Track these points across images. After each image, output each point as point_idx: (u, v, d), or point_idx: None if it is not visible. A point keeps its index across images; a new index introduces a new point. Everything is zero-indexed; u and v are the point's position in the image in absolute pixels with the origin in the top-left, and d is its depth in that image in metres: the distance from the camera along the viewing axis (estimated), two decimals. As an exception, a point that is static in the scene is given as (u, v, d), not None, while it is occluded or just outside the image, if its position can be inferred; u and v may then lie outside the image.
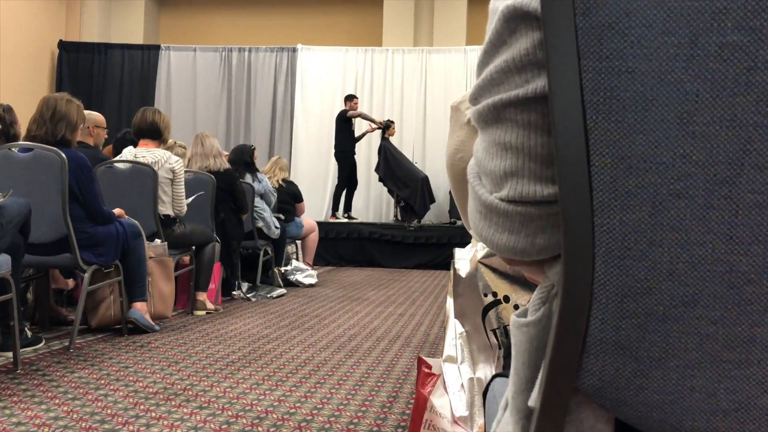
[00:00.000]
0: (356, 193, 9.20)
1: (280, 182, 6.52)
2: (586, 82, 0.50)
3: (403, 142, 9.81)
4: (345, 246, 8.35)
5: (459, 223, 8.46)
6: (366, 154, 9.85)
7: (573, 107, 0.50)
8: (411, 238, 8.26)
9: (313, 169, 10.07)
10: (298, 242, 6.95)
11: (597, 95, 0.50)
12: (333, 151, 8.97)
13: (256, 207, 5.73)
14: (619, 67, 0.49)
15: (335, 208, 8.96)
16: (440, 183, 9.28)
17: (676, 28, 0.48)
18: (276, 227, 5.91)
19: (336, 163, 9.03)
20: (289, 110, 10.41)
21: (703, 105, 0.48)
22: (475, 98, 0.58)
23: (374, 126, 8.88)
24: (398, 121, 9.76)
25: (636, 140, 0.49)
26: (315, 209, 9.46)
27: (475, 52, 9.79)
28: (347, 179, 8.85)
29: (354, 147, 8.91)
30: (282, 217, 6.28)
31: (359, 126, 9.19)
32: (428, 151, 9.92)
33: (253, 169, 5.80)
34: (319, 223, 7.41)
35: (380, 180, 8.99)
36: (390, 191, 9.08)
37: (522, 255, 0.56)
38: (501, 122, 0.55)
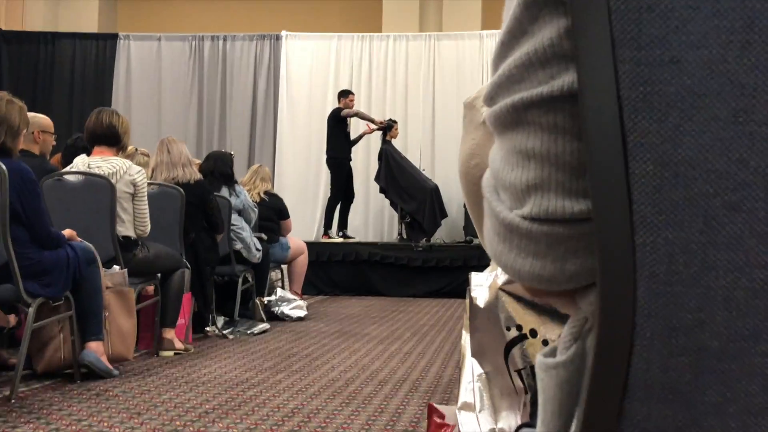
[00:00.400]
0: (353, 207, 9.26)
1: (262, 195, 6.58)
2: (623, 75, 0.50)
3: (408, 146, 9.92)
4: (340, 271, 8.43)
5: (476, 241, 8.47)
6: (364, 161, 9.91)
7: (607, 105, 0.50)
8: (419, 261, 8.33)
9: (301, 180, 10.16)
10: (284, 267, 7.02)
11: (636, 90, 0.50)
12: (325, 157, 9.09)
13: (234, 225, 5.78)
14: (661, 56, 0.49)
15: (328, 225, 8.99)
16: (453, 194, 9.34)
17: (728, 9, 0.48)
18: (257, 249, 5.96)
19: (328, 171, 9.14)
20: (272, 109, 10.55)
21: (762, 100, 0.48)
22: (490, 98, 0.59)
23: (373, 127, 8.98)
24: (402, 120, 9.83)
25: (683, 143, 0.49)
26: (304, 227, 9.52)
27: (493, 38, 9.91)
28: (342, 191, 8.93)
29: (349, 152, 9.00)
30: (264, 237, 6.33)
31: (356, 127, 9.27)
32: (438, 156, 10.01)
33: (230, 181, 5.89)
34: (309, 244, 7.45)
35: (381, 191, 9.10)
36: (393, 204, 9.19)
37: (550, 284, 0.56)
38: (522, 126, 0.56)
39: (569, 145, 0.55)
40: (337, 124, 8.77)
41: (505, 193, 0.58)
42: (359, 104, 9.56)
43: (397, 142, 9.33)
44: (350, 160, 9.05)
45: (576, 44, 0.52)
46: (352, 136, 9.10)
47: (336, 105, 9.15)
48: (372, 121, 8.94)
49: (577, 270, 0.55)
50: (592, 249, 0.54)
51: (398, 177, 8.77)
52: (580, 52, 0.51)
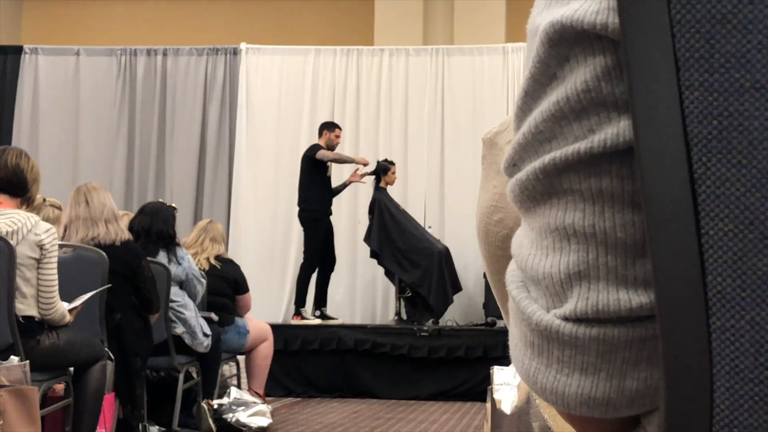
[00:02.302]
0: (334, 277, 9.25)
1: (213, 261, 6.65)
2: (690, 106, 0.51)
3: (409, 195, 9.94)
4: (317, 364, 8.44)
5: (500, 323, 8.41)
6: (350, 214, 9.93)
7: (671, 148, 0.51)
8: (423, 351, 8.32)
9: (264, 240, 10.12)
10: (241, 358, 7.04)
11: (707, 125, 0.50)
12: (297, 210, 9.15)
13: (174, 302, 5.80)
14: (740, 80, 0.50)
15: (300, 302, 8.99)
16: (469, 260, 9.36)
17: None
18: (205, 335, 5.97)
19: (301, 229, 9.19)
20: (227, 145, 10.57)
21: None
22: (513, 163, 0.61)
23: (363, 171, 9.06)
24: (400, 161, 9.81)
25: (773, 194, 0.50)
26: (268, 305, 9.44)
27: (521, 52, 10.01)
28: (319, 255, 8.94)
29: (330, 204, 9.08)
30: (215, 318, 6.36)
31: (339, 171, 9.31)
32: (449, 208, 10.01)
33: (169, 242, 5.95)
34: (275, 327, 7.44)
35: (373, 256, 9.12)
36: (388, 274, 9.20)
37: (605, 409, 0.57)
38: (557, 196, 0.58)
39: (620, 217, 0.56)
40: (315, 166, 8.88)
41: (538, 289, 0.59)
42: (342, 140, 9.64)
43: (394, 190, 9.33)
44: (330, 214, 9.07)
45: (628, 66, 0.52)
46: (335, 183, 9.12)
47: (314, 141, 9.26)
48: (355, 162, 9.07)
49: (641, 389, 0.56)
50: (659, 358, 0.54)
51: (396, 237, 8.76)
52: (634, 78, 0.52)
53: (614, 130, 0.55)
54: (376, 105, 10.36)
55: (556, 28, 0.57)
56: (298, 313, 8.93)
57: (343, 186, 9.16)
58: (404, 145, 10.21)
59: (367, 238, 9.00)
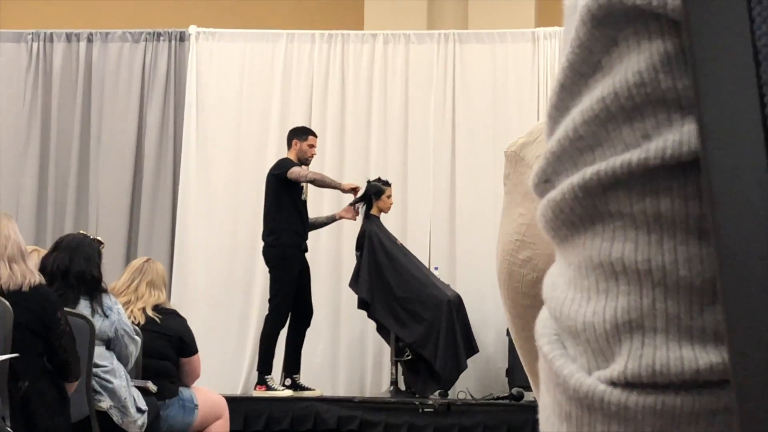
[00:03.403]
0: (311, 333, 9.27)
1: (150, 313, 6.65)
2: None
3: (409, 225, 9.95)
4: None
5: (528, 396, 8.41)
6: (331, 249, 9.97)
7: (750, 167, 0.51)
8: (428, 431, 8.33)
9: (219, 285, 10.12)
10: None
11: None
12: (261, 245, 9.21)
13: (99, 367, 5.79)
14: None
15: (266, 367, 8.98)
16: (487, 312, 9.40)
17: None
18: (139, 410, 5.97)
19: (267, 269, 9.23)
20: (171, 155, 10.57)
21: None
22: (546, 179, 0.62)
23: (354, 201, 9.12)
24: (398, 180, 9.85)
25: None
26: (223, 370, 9.46)
27: (554, 39, 10.05)
28: (290, 305, 8.97)
29: (304, 237, 9.12)
30: (153, 388, 6.38)
31: (318, 194, 9.38)
32: (461, 244, 10.07)
33: (93, 288, 5.95)
34: (232, 401, 7.44)
35: (362, 306, 9.13)
36: (382, 330, 9.19)
37: None
38: (602, 222, 0.58)
39: (684, 250, 0.56)
40: (285, 188, 8.93)
41: (576, 344, 0.60)
42: (322, 152, 9.57)
43: (389, 219, 9.36)
44: (306, 250, 9.11)
45: (694, 63, 0.53)
46: (314, 212, 9.19)
47: (282, 155, 9.32)
48: (344, 189, 9.12)
49: None
50: None
51: (391, 281, 8.78)
52: (699, 72, 0.52)
53: (676, 136, 0.55)
54: (366, 106, 10.36)
55: (600, 3, 0.57)
56: (262, 381, 8.89)
57: (328, 220, 9.26)
58: (403, 160, 10.22)
59: (354, 283, 9.01)
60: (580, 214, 0.59)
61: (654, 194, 0.56)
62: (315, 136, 9.19)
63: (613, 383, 0.56)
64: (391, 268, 8.84)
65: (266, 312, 9.19)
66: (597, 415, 0.57)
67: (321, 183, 9.06)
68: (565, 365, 0.59)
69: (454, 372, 8.74)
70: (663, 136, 0.56)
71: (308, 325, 9.15)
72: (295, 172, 8.79)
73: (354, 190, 9.03)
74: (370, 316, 9.16)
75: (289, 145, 9.12)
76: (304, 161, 8.98)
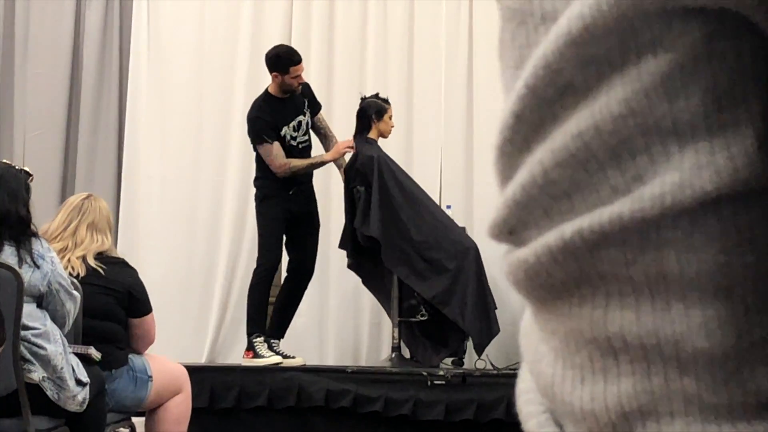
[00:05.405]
0: (312, 288, 8.95)
1: (92, 262, 6.44)
2: None
3: (415, 156, 9.71)
4: (264, 431, 8.24)
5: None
6: (317, 182, 9.41)
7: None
8: (438, 409, 7.88)
9: (176, 225, 9.87)
10: (140, 420, 6.96)
11: None
12: (228, 174, 9.56)
13: (29, 329, 5.65)
14: None
15: (252, 327, 8.58)
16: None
17: None
18: (80, 382, 5.78)
19: (234, 205, 9.53)
20: (116, 63, 10.21)
21: None
22: (509, 230, 0.63)
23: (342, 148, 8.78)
24: (400, 102, 9.49)
25: None
26: (183, 334, 9.34)
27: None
28: (275, 253, 8.67)
29: (294, 180, 8.71)
30: (96, 355, 6.17)
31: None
32: (478, 176, 9.70)
33: (20, 231, 5.84)
34: (194, 372, 7.08)
35: (355, 266, 8.85)
36: (375, 286, 8.93)
37: None
38: (590, 286, 0.59)
39: (699, 314, 0.57)
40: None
41: (577, 428, 0.61)
42: (306, 70, 8.96)
43: (387, 146, 8.80)
44: (302, 194, 8.70)
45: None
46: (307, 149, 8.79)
47: (255, 66, 9.27)
48: (331, 161, 8.78)
49: None
50: None
51: (408, 222, 8.34)
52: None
53: (675, 177, 0.56)
54: (361, 7, 10.00)
55: (586, 22, 0.57)
56: (250, 346, 8.40)
57: (320, 163, 8.76)
58: (407, 75, 9.88)
59: (362, 221, 8.36)
60: (562, 279, 0.59)
61: (654, 249, 0.57)
62: (299, 62, 8.56)
63: None
64: (407, 206, 8.41)
65: (238, 262, 9.47)
66: None
67: (306, 169, 8.77)
68: None
69: (486, 336, 8.26)
70: (659, 177, 0.57)
71: (303, 285, 8.74)
72: (275, 164, 8.50)
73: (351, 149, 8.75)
74: (365, 281, 8.82)
75: (272, 76, 8.61)
76: (288, 92, 8.58)
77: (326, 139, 9.07)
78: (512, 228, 0.61)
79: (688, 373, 0.57)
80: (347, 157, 8.92)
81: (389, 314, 8.72)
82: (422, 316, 8.37)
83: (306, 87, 8.80)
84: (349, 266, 8.80)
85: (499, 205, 0.62)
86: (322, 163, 8.78)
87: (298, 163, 8.62)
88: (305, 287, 8.78)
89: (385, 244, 8.35)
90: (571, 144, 0.58)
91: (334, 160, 8.87)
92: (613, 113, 0.57)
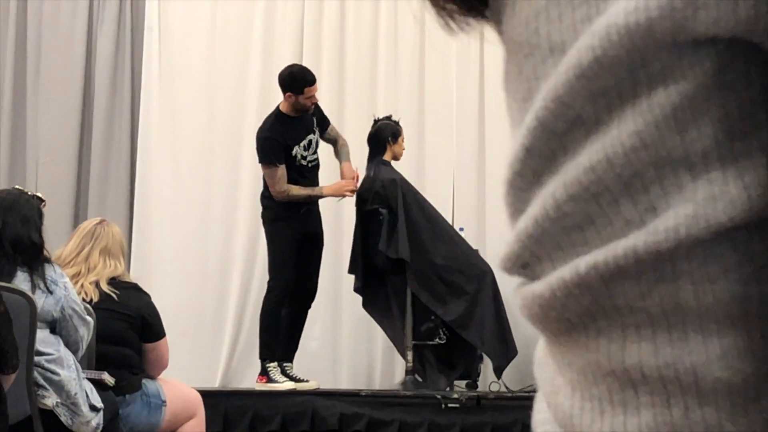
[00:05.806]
0: (316, 311, 8.96)
1: (105, 288, 6.41)
2: None
3: (427, 176, 9.73)
4: None
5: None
6: (329, 208, 9.32)
7: None
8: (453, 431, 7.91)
9: (189, 250, 9.86)
10: None
11: None
12: (239, 200, 9.53)
13: (42, 355, 5.66)
14: None
15: (266, 353, 8.56)
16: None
17: None
18: (93, 408, 5.80)
19: (248, 231, 9.46)
20: (127, 90, 10.17)
21: None
22: (522, 264, 0.64)
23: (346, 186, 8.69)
24: (412, 120, 9.50)
25: None
26: (198, 359, 9.30)
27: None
28: (284, 277, 8.55)
29: (304, 200, 8.67)
30: (110, 380, 6.19)
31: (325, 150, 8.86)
32: (491, 199, 9.61)
33: (34, 256, 5.82)
34: (208, 397, 7.08)
35: (361, 290, 8.77)
36: (380, 315, 8.87)
37: None
38: (606, 319, 0.59)
39: (716, 344, 0.57)
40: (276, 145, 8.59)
41: None
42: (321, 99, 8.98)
43: (399, 169, 8.79)
44: (302, 212, 8.57)
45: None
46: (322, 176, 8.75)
47: (266, 90, 9.33)
48: (327, 195, 8.70)
49: None
50: None
51: (429, 245, 8.33)
52: None
53: (689, 209, 0.57)
54: (371, 30, 10.01)
55: (596, 54, 0.57)
56: (264, 372, 8.38)
57: (324, 196, 8.71)
58: (419, 101, 9.87)
59: (387, 244, 8.34)
60: (578, 312, 0.60)
61: (670, 281, 0.57)
62: (313, 83, 8.52)
63: None
64: (428, 229, 8.45)
65: (251, 286, 9.44)
66: None
67: (303, 199, 8.71)
68: None
69: (503, 359, 8.31)
70: (673, 209, 0.57)
71: (307, 306, 8.76)
72: (276, 191, 8.51)
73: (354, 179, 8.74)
74: (368, 305, 8.74)
75: (285, 97, 8.56)
76: (301, 110, 8.53)
77: (337, 144, 9.05)
78: (525, 262, 0.62)
79: (708, 403, 0.57)
80: (359, 177, 8.83)
81: (390, 337, 8.75)
82: (440, 339, 8.39)
83: (315, 105, 8.80)
84: (356, 290, 8.80)
85: (511, 238, 0.63)
86: (320, 196, 8.74)
87: (296, 192, 8.60)
88: (309, 307, 8.77)
89: (411, 266, 8.39)
90: (583, 177, 0.58)
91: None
92: (624, 146, 0.57)
